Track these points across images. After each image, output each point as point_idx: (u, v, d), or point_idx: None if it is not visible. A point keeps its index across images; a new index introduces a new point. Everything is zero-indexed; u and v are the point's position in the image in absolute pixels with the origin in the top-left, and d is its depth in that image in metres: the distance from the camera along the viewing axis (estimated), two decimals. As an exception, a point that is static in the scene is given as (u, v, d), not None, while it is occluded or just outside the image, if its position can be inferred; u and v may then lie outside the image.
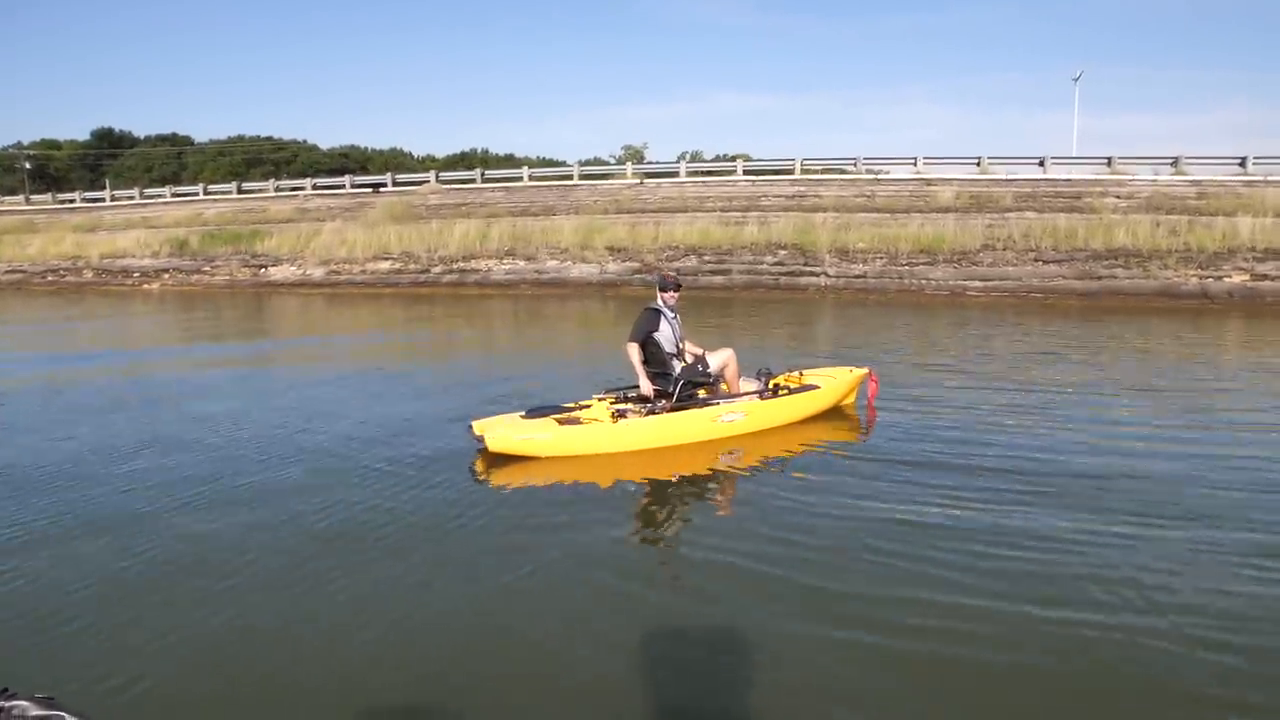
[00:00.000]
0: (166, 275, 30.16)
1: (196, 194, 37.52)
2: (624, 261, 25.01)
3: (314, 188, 35.18)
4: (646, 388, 6.95)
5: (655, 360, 7.09)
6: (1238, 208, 23.37)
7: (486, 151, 56.23)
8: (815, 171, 29.78)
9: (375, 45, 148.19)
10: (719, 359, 7.27)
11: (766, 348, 12.26)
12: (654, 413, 6.87)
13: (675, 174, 30.73)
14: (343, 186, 34.70)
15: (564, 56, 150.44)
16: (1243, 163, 26.71)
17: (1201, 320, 17.38)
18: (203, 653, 3.78)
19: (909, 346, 13.32)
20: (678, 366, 7.11)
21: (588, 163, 34.91)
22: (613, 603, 4.24)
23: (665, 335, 7.12)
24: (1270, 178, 25.90)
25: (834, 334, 15.66)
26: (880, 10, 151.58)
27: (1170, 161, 26.89)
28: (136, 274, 30.66)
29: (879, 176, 28.23)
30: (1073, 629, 3.89)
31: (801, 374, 8.00)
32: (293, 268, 28.35)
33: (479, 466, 6.48)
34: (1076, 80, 38.12)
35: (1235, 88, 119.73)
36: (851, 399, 8.21)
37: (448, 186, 32.72)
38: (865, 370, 8.27)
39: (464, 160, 51.13)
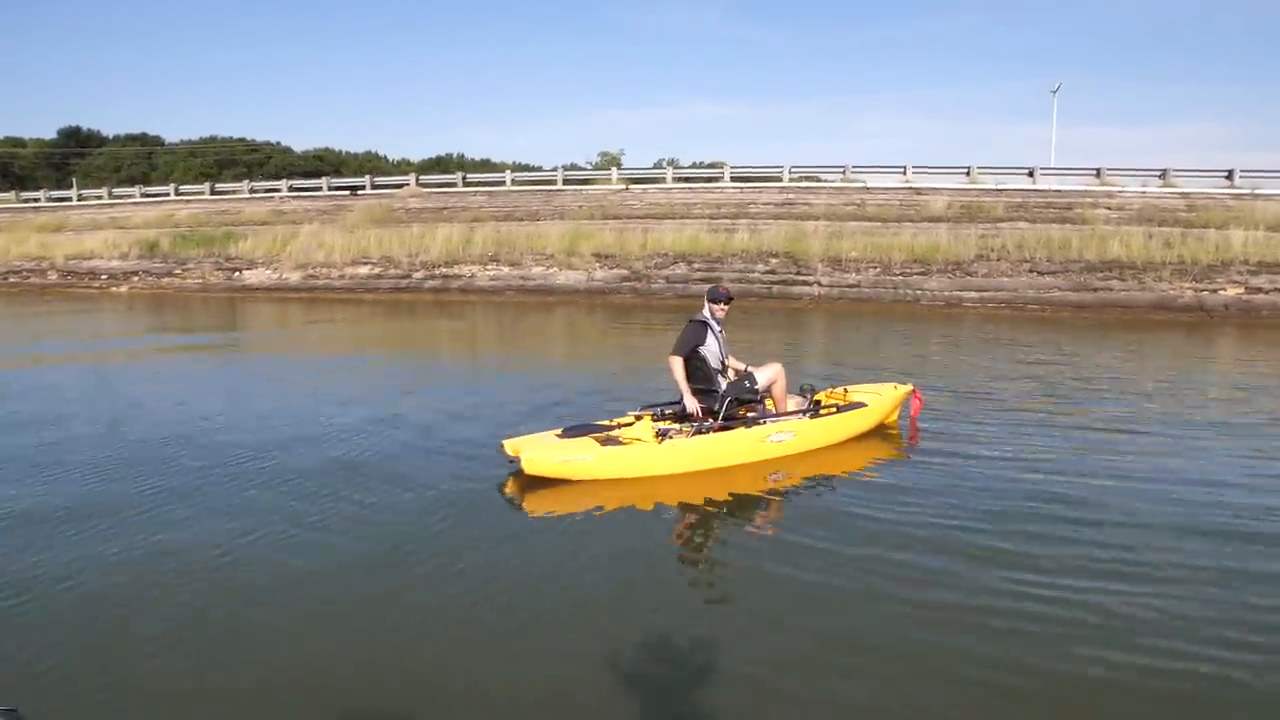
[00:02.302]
0: (135, 278, 29.08)
1: (168, 195, 36.45)
2: (612, 269, 24.45)
3: (290, 189, 34.26)
4: (692, 405, 6.43)
5: (700, 376, 6.57)
6: (1228, 220, 23.32)
7: (462, 156, 55.67)
8: (803, 179, 29.48)
9: (350, 48, 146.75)
10: (767, 375, 6.76)
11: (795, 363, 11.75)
12: (701, 432, 6.35)
13: (661, 179, 30.28)
14: (320, 189, 33.84)
15: (538, 62, 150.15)
16: (1230, 175, 26.78)
17: (1212, 333, 17.20)
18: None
19: (939, 360, 12.89)
20: (723, 383, 6.62)
21: (568, 168, 34.21)
22: (658, 641, 3.90)
23: (711, 350, 6.63)
24: (1258, 191, 25.98)
25: (847, 347, 15.20)
26: (850, 21, 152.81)
27: (1159, 173, 26.88)
28: (105, 276, 29.57)
29: (867, 185, 27.94)
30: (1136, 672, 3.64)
31: (846, 390, 7.57)
32: (268, 271, 27.43)
33: (511, 489, 5.95)
34: (1055, 92, 38.24)
35: (1205, 101, 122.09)
36: (895, 416, 7.75)
37: (428, 190, 31.99)
38: (909, 387, 7.83)
39: (440, 164, 50.40)
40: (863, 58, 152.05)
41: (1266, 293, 20.61)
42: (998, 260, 22.56)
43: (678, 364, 6.50)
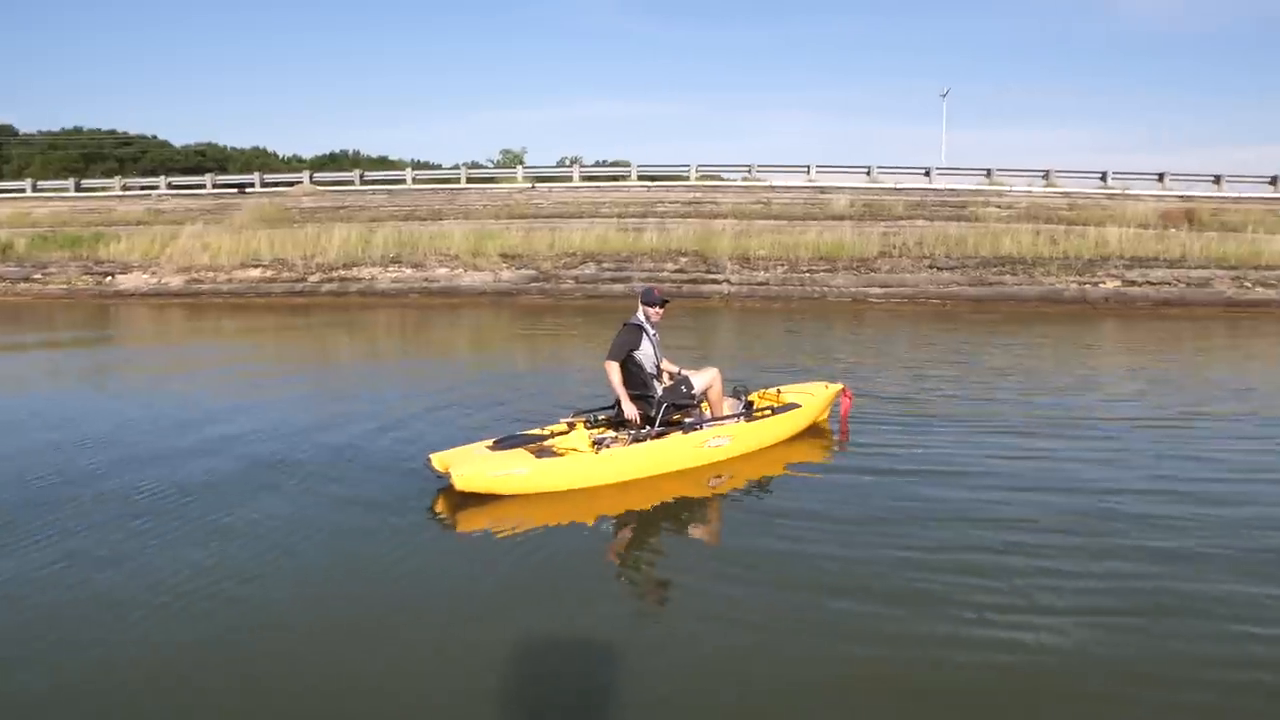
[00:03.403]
0: (-19, 283, 26.48)
1: (23, 190, 33.28)
2: (519, 269, 24.01)
3: (169, 187, 32.35)
4: (630, 411, 6.23)
5: (635, 381, 6.36)
6: (1105, 218, 24.69)
7: (358, 153, 53.83)
8: (708, 177, 29.70)
9: (234, 38, 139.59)
10: (704, 379, 6.61)
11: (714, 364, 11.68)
12: (638, 440, 6.15)
13: (568, 178, 29.98)
14: (203, 186, 32.11)
15: (435, 58, 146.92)
16: (1104, 177, 28.40)
17: (1097, 324, 18.12)
18: None
19: (859, 357, 13.06)
20: (659, 388, 6.44)
21: (470, 166, 33.52)
22: (602, 660, 3.77)
23: (646, 354, 6.44)
24: (1128, 191, 27.62)
25: (766, 346, 15.27)
26: (750, 19, 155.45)
27: (1042, 174, 28.24)
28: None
29: (772, 184, 28.34)
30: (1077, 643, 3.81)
31: (779, 391, 7.48)
32: (145, 275, 25.57)
33: (442, 507, 5.57)
34: (944, 96, 39.82)
35: (1062, 109, 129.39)
36: (826, 415, 7.76)
37: (323, 188, 30.78)
38: (840, 386, 7.82)
39: (334, 161, 48.67)
40: (763, 57, 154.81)
41: (1139, 285, 21.92)
42: (900, 257, 23.23)
43: (614, 369, 6.29)
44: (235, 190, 31.31)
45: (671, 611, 4.35)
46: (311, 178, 31.81)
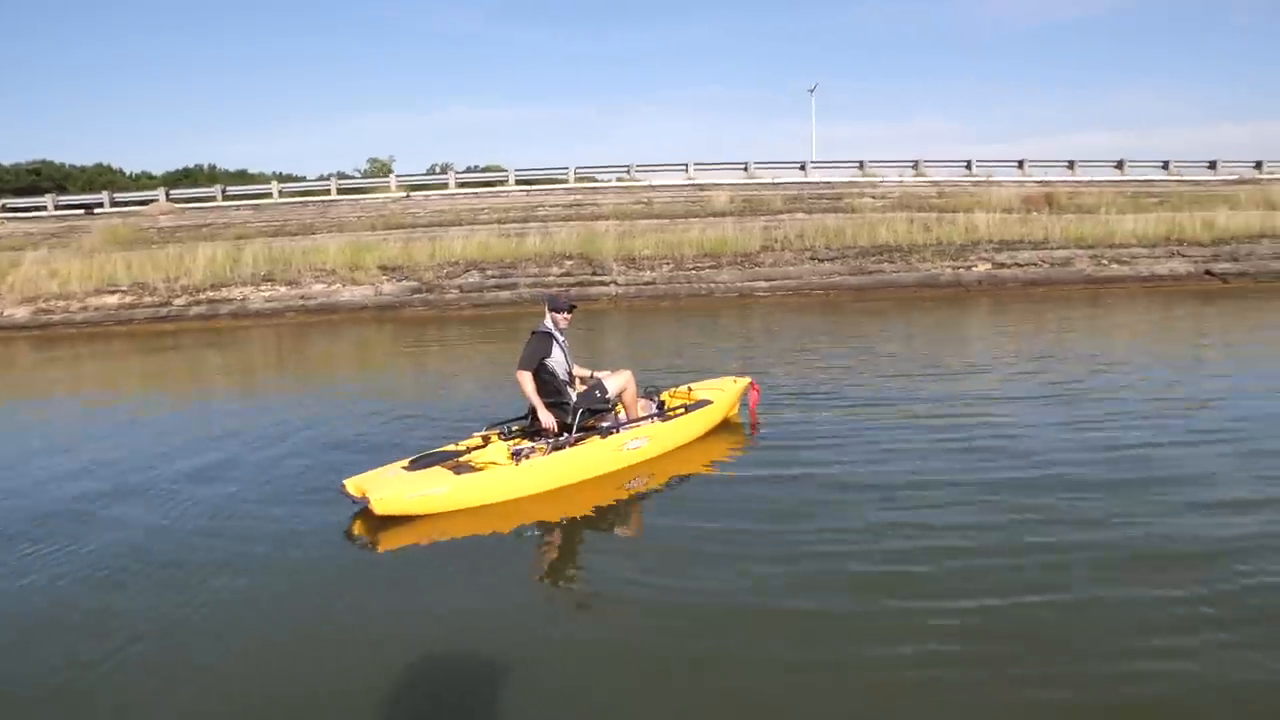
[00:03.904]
0: None
1: None
2: (400, 281, 23.16)
3: (4, 210, 29.83)
4: (548, 420, 6.02)
5: (549, 389, 6.16)
6: (972, 205, 25.77)
7: (214, 167, 51.01)
8: (585, 179, 29.51)
9: (68, 48, 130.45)
10: (617, 382, 6.47)
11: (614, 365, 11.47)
12: (558, 448, 5.93)
13: (444, 185, 29.24)
14: (44, 207, 29.73)
15: (293, 65, 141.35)
16: (969, 165, 29.71)
17: (974, 305, 18.84)
18: None
19: (759, 350, 13.10)
20: (573, 394, 6.23)
21: (338, 177, 32.28)
22: (532, 668, 3.69)
23: (558, 361, 6.25)
24: (992, 178, 28.99)
25: (662, 345, 15.15)
26: (617, 23, 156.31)
27: (912, 165, 29.31)
28: None
29: (652, 184, 28.39)
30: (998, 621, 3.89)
31: (690, 389, 7.45)
32: (-15, 308, 23.53)
33: (359, 531, 5.25)
34: (812, 91, 40.92)
35: (927, 101, 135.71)
36: (736, 409, 7.72)
37: (182, 206, 29.02)
38: (747, 379, 7.88)
39: (189, 177, 46.03)
40: (634, 60, 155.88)
41: (1009, 267, 22.92)
42: (782, 250, 23.58)
43: (527, 379, 6.07)
44: (82, 211, 29.15)
45: (599, 617, 4.22)
46: (168, 195, 29.93)
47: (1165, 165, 30.71)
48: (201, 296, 22.72)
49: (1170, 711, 3.23)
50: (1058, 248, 23.19)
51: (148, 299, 22.72)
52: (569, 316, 6.46)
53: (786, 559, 4.56)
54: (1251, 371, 9.90)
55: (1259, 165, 31.57)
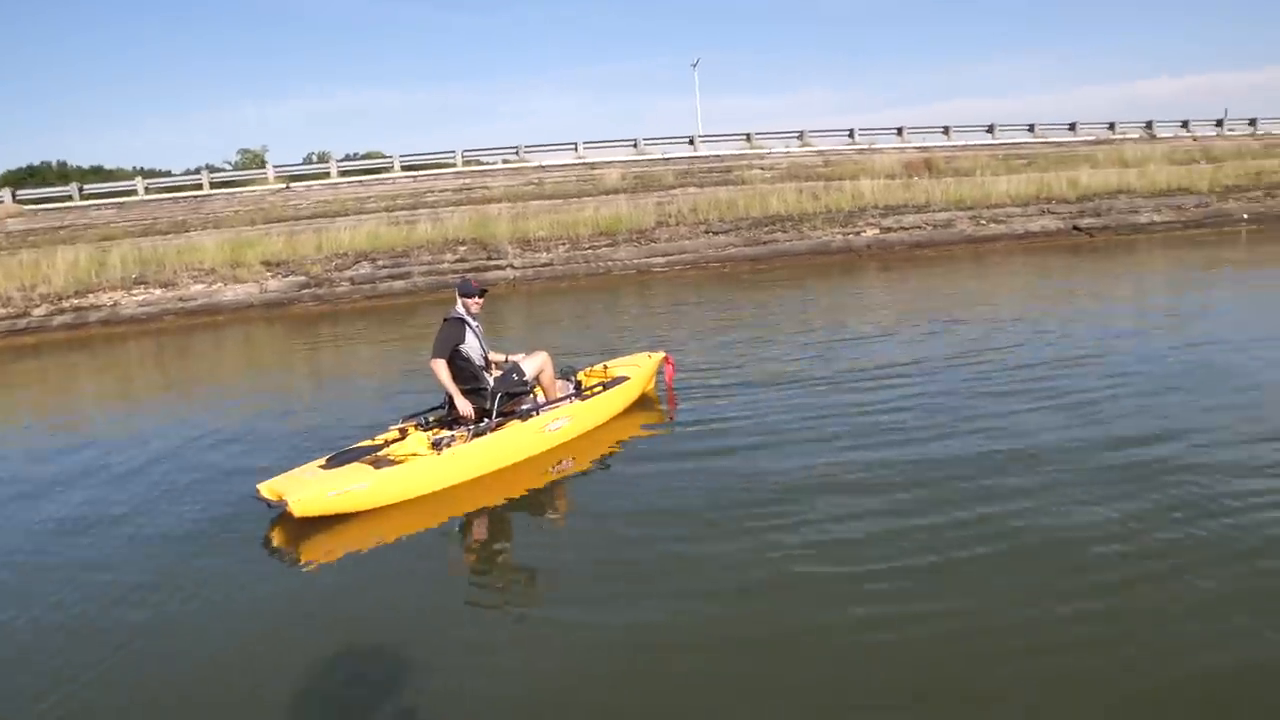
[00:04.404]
0: None
1: None
2: (286, 276, 22.19)
3: None
4: (465, 407, 5.90)
5: (464, 375, 6.04)
6: (857, 172, 26.49)
7: (65, 164, 47.81)
8: (474, 162, 28.94)
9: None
10: (534, 364, 6.38)
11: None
12: (479, 434, 5.80)
13: (325, 174, 28.16)
14: None
15: (147, 52, 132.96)
16: (851, 134, 30.45)
17: (865, 269, 19.39)
18: None
19: (666, 325, 13.12)
20: (490, 379, 6.10)
21: (212, 170, 30.66)
22: (464, 661, 3.64)
23: (472, 346, 6.13)
24: (874, 145, 29.84)
25: (557, 327, 15.01)
26: (492, 2, 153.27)
27: (797, 135, 29.85)
28: None
29: (543, 164, 28.07)
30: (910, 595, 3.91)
31: (606, 367, 7.46)
32: None
33: (279, 539, 5.02)
34: (695, 66, 41.03)
35: (809, 73, 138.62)
36: (653, 385, 7.75)
37: (33, 207, 26.98)
38: (661, 354, 7.90)
39: (36, 175, 42.93)
40: (515, 39, 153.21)
41: (895, 231, 23.68)
42: (676, 225, 23.68)
43: (441, 366, 5.95)
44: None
45: (529, 604, 4.20)
46: (14, 195, 27.78)
47: (1031, 128, 32.24)
48: (65, 304, 21.19)
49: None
50: (939, 210, 24.07)
51: (1, 311, 21.08)
52: (480, 301, 6.35)
53: (713, 537, 4.55)
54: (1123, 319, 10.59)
55: (1112, 126, 33.52)
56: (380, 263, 22.58)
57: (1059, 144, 31.87)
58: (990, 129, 31.52)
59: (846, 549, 4.28)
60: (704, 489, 5.24)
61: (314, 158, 40.83)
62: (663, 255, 22.69)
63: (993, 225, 23.73)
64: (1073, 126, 32.98)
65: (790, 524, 4.61)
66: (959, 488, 4.97)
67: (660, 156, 28.20)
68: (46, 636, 4.04)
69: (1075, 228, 23.75)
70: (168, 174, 36.30)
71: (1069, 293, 14.12)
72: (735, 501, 4.97)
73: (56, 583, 4.64)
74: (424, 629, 3.86)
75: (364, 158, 38.02)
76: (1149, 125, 34.06)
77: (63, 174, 42.01)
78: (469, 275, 7.61)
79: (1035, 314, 11.63)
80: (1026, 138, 32.01)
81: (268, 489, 5.19)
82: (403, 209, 25.41)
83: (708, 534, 4.57)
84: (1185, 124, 34.36)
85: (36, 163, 47.25)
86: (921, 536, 4.35)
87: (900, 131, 30.65)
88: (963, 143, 30.73)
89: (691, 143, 28.85)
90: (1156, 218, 24.67)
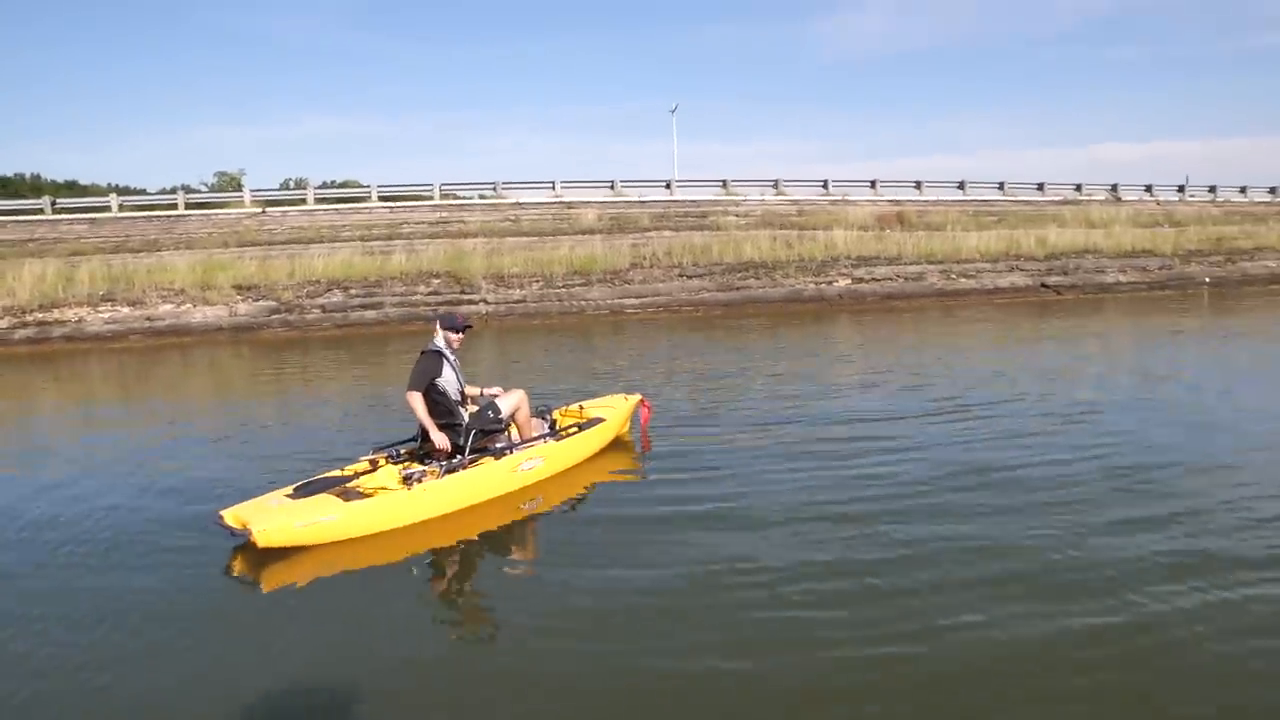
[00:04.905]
0: None
1: None
2: (256, 301, 22.02)
3: None
4: (440, 440, 5.87)
5: (440, 410, 6.00)
6: (830, 222, 26.94)
7: (39, 178, 47.30)
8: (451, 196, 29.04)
9: None
10: (510, 402, 6.36)
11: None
12: (451, 470, 5.76)
13: (302, 200, 28.10)
14: None
15: (127, 72, 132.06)
16: (825, 185, 30.98)
17: (838, 319, 19.63)
18: None
19: (640, 368, 13.13)
20: (465, 415, 6.08)
21: (188, 191, 30.48)
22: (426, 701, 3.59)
23: (449, 380, 6.11)
24: (847, 197, 30.37)
25: (541, 364, 15.01)
26: (479, 36, 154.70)
27: (773, 184, 30.31)
28: None
29: (519, 201, 28.22)
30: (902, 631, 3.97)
31: (581, 407, 7.42)
32: None
33: (240, 568, 4.93)
34: (673, 112, 41.49)
35: (779, 122, 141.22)
36: (628, 427, 7.72)
37: (3, 218, 26.62)
38: (638, 396, 7.91)
39: (7, 186, 42.40)
40: (496, 75, 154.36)
41: (867, 282, 24.06)
42: (651, 267, 23.88)
43: (417, 399, 5.91)
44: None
45: (499, 647, 4.14)
46: (-13, 208, 27.47)
47: (1001, 186, 33.02)
48: (29, 318, 20.86)
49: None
50: (910, 263, 24.51)
51: (-39, 322, 20.68)
52: (462, 337, 6.34)
53: (679, 590, 4.45)
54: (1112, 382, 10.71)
55: (1079, 187, 34.46)
56: (353, 291, 22.50)
57: (1028, 202, 32.67)
58: (961, 185, 32.26)
59: (814, 608, 4.21)
60: (673, 540, 5.14)
61: (291, 183, 40.73)
62: (636, 297, 22.84)
63: (963, 280, 24.19)
64: (1041, 186, 33.84)
65: (759, 580, 4.52)
66: (933, 547, 4.91)
67: (637, 199, 28.49)
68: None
69: (1044, 285, 24.31)
70: (143, 192, 36.03)
71: (1044, 349, 14.36)
72: (705, 556, 4.86)
73: None
74: (384, 666, 3.80)
75: (341, 186, 37.99)
76: (1114, 188, 35.09)
77: (37, 187, 41.45)
78: (453, 309, 7.44)
79: (1014, 369, 11.56)
80: (996, 195, 32.77)
81: (231, 516, 5.10)
82: (378, 239, 25.39)
83: (675, 586, 4.48)
84: (1149, 188, 35.46)
85: (10, 174, 46.71)
86: (900, 598, 4.30)
87: (874, 184, 31.25)
88: (934, 198, 31.40)
89: (668, 186, 29.20)
90: (1122, 278, 25.37)
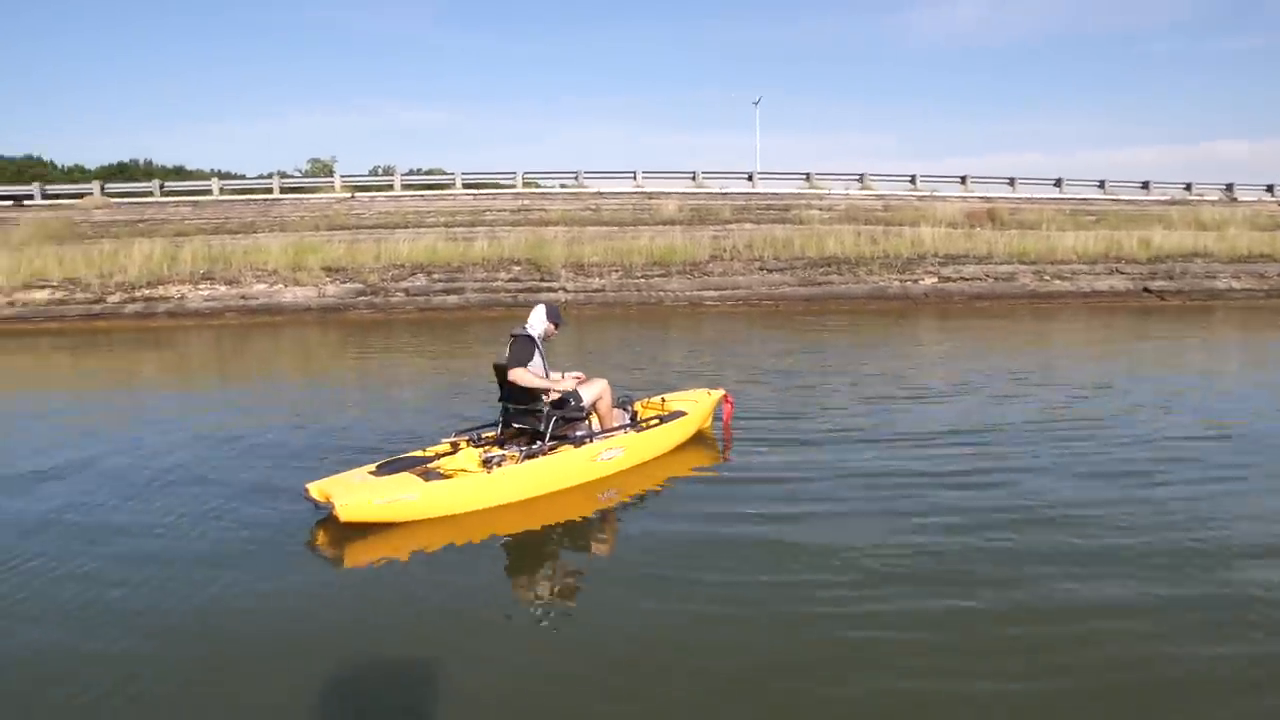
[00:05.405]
0: None
1: None
2: (344, 283, 22.64)
3: (-75, 202, 28.49)
4: (565, 385, 6.11)
5: (524, 395, 6.03)
6: (918, 219, 26.27)
7: (150, 163, 49.73)
8: (539, 185, 29.35)
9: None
10: (593, 391, 6.35)
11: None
12: (532, 456, 5.79)
13: (389, 187, 28.76)
14: (-33, 200, 28.47)
15: (232, 63, 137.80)
16: (913, 180, 30.26)
17: (925, 318, 19.15)
18: None
19: (722, 362, 13.02)
20: (546, 402, 6.10)
21: (283, 176, 31.53)
22: (499, 686, 3.57)
23: (537, 367, 6.13)
24: (936, 193, 29.59)
25: (620, 354, 15.03)
26: (558, 26, 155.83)
27: (858, 177, 29.74)
28: None
29: (600, 191, 28.32)
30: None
31: (664, 400, 7.33)
32: (-98, 302, 22.34)
33: (322, 541, 5.07)
34: (757, 104, 41.18)
35: (864, 116, 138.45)
36: (709, 422, 7.63)
37: (118, 200, 28.03)
38: (721, 391, 7.77)
39: (124, 171, 44.61)
40: (577, 65, 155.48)
41: (954, 281, 23.38)
42: (731, 260, 23.68)
43: (523, 374, 5.96)
44: (10, 203, 27.94)
45: (564, 634, 4.08)
46: (103, 189, 28.88)
47: (1101, 184, 31.72)
48: (137, 294, 21.93)
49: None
50: (1001, 262, 23.73)
51: (79, 295, 21.83)
52: (555, 330, 6.39)
53: (754, 595, 4.29)
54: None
55: (1189, 187, 32.82)
56: (435, 276, 22.93)
57: (1131, 202, 31.28)
58: (1058, 182, 31.09)
59: (893, 628, 3.94)
60: (752, 544, 4.95)
61: (379, 170, 41.78)
62: (715, 289, 22.69)
63: (1057, 281, 23.31)
64: (1146, 185, 32.34)
65: (836, 597, 4.25)
66: (1037, 579, 4.43)
67: (718, 190, 28.30)
68: (87, 620, 4.12)
69: (1146, 289, 23.19)
70: (242, 177, 37.39)
71: (1155, 358, 13.44)
72: (782, 566, 4.63)
73: (105, 561, 4.77)
74: (452, 647, 3.84)
75: (427, 173, 38.79)
76: (1229, 188, 33.28)
77: (149, 172, 43.54)
78: (553, 303, 7.29)
79: (1122, 380, 10.61)
80: (1096, 194, 31.49)
81: (317, 489, 5.23)
82: (461, 225, 25.80)
83: (749, 594, 4.31)
84: (1270, 188, 33.36)
85: (126, 160, 49.22)
86: (995, 628, 3.92)
87: (964, 180, 30.39)
88: (1028, 195, 30.34)
89: (750, 179, 28.93)
90: (1235, 284, 23.95)
